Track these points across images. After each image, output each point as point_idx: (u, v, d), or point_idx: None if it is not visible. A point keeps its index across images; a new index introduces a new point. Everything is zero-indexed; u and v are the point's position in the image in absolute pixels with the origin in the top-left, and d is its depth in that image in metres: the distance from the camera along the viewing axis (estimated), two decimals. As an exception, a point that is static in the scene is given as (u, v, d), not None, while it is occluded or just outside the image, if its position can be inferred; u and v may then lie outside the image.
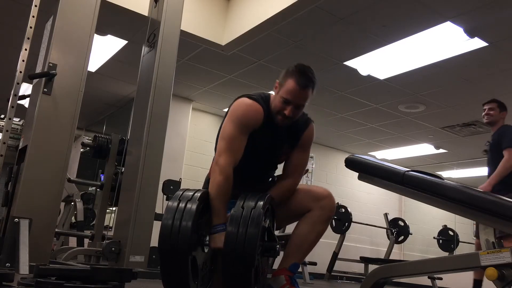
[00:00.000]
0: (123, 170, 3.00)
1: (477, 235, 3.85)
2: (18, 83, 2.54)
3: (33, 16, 2.60)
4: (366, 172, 1.66)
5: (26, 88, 4.19)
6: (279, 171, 2.11)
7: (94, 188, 6.19)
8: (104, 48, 5.09)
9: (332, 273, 6.33)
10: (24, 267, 2.07)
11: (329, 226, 2.42)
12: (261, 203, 1.66)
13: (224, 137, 1.85)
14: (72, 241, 5.14)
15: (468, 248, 6.48)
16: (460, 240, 6.64)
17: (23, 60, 2.57)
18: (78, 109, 2.55)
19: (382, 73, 5.02)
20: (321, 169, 7.69)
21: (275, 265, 1.97)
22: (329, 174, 7.85)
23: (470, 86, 5.08)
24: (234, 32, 4.40)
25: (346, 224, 6.40)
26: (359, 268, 6.78)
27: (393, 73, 4.97)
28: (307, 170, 2.07)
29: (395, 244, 7.24)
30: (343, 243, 6.42)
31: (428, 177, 1.52)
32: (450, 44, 4.26)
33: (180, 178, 5.07)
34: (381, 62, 4.78)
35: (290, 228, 2.13)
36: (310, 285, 4.78)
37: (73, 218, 5.12)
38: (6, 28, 4.75)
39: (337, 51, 4.64)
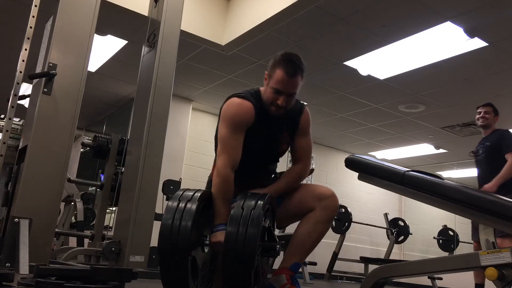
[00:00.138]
0: (123, 170, 3.00)
1: (474, 237, 3.90)
2: (18, 83, 2.54)
3: (33, 16, 2.60)
4: (366, 172, 1.66)
5: (26, 88, 4.19)
6: (280, 168, 2.12)
7: (94, 188, 6.19)
8: (104, 48, 5.10)
9: (332, 273, 6.33)
10: (24, 267, 2.07)
11: (329, 226, 2.41)
12: (261, 203, 1.66)
13: (220, 139, 1.87)
14: (72, 241, 5.14)
15: (468, 248, 6.47)
16: (460, 240, 6.64)
17: (23, 60, 2.57)
18: (78, 109, 2.55)
19: (382, 73, 5.02)
20: (321, 169, 7.70)
21: (275, 265, 1.96)
22: (329, 174, 7.85)
23: (470, 86, 5.08)
24: (234, 32, 4.40)
25: (346, 224, 6.40)
26: (359, 268, 6.78)
27: (393, 73, 4.97)
28: (312, 169, 2.07)
29: (395, 244, 7.24)
30: (343, 243, 6.42)
31: (428, 177, 1.52)
32: (450, 44, 4.26)
33: (180, 178, 5.07)
34: (381, 62, 4.78)
35: (290, 228, 2.13)
36: (310, 285, 4.78)
37: (73, 218, 5.12)
38: (6, 28, 4.75)
39: (337, 51, 4.64)
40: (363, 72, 4.97)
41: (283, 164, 2.14)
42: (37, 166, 2.40)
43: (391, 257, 7.04)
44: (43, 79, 2.47)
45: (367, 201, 8.36)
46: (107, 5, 3.59)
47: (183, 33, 3.53)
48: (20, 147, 2.56)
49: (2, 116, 7.72)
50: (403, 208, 9.02)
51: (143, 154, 2.66)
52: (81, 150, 7.53)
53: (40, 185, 2.39)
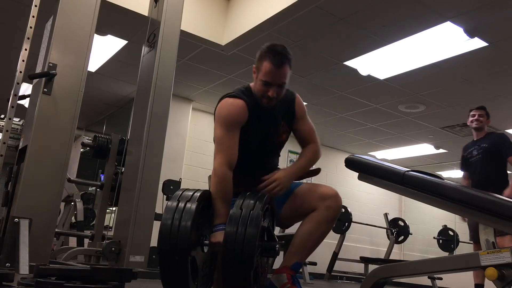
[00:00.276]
0: (123, 170, 3.00)
1: (472, 238, 3.93)
2: (18, 83, 2.54)
3: (33, 16, 2.60)
4: (366, 172, 1.66)
5: (26, 88, 4.19)
6: (281, 166, 2.12)
7: (94, 188, 6.19)
8: (104, 48, 5.09)
9: (332, 273, 6.33)
10: (24, 267, 2.07)
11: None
12: (260, 203, 1.66)
13: (215, 140, 1.89)
14: (72, 241, 5.14)
15: (468, 248, 6.46)
16: (460, 240, 6.63)
17: (23, 60, 2.57)
18: (78, 109, 2.56)
19: (382, 73, 5.02)
20: (321, 169, 7.68)
21: (276, 265, 1.96)
22: (329, 174, 7.84)
23: (470, 86, 5.08)
24: (234, 32, 4.40)
25: (346, 224, 6.40)
26: (359, 268, 6.78)
27: (393, 73, 4.97)
28: (319, 169, 2.08)
29: (395, 244, 7.24)
30: (343, 243, 6.42)
31: (428, 177, 1.52)
32: (450, 44, 4.26)
33: (180, 178, 5.07)
34: (381, 62, 4.78)
35: (290, 228, 2.13)
36: (310, 285, 4.78)
37: (73, 218, 5.12)
38: (6, 28, 4.75)
39: (337, 51, 4.64)
40: (363, 72, 4.97)
41: (283, 164, 2.13)
42: (37, 166, 2.40)
43: (391, 257, 7.04)
44: (43, 79, 2.47)
45: (367, 201, 8.36)
46: (107, 5, 3.58)
47: (183, 33, 3.53)
48: (20, 147, 2.56)
49: (2, 116, 7.72)
50: (403, 208, 9.01)
51: (143, 154, 2.66)
52: (81, 150, 7.53)
53: (40, 185, 2.39)
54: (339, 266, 6.52)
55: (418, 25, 4.01)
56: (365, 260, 6.25)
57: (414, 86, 5.24)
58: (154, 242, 2.08)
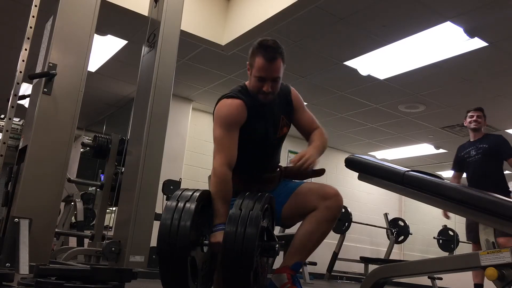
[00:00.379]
0: (123, 170, 3.00)
1: (469, 238, 3.96)
2: (18, 83, 2.54)
3: (33, 16, 2.60)
4: (366, 172, 1.67)
5: (26, 88, 4.19)
6: (282, 164, 2.12)
7: (94, 188, 6.19)
8: (104, 48, 5.09)
9: (332, 273, 6.33)
10: (24, 267, 2.07)
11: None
12: (260, 203, 1.66)
13: (215, 140, 1.89)
14: (72, 241, 5.14)
15: (468, 248, 6.45)
16: (460, 240, 6.63)
17: (23, 60, 2.57)
18: (78, 109, 2.56)
19: (382, 73, 5.02)
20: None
21: (276, 265, 1.96)
22: (329, 174, 7.84)
23: (470, 86, 5.08)
24: (234, 32, 4.40)
25: (346, 224, 6.39)
26: (359, 268, 6.78)
27: (393, 73, 4.97)
28: (324, 170, 2.08)
29: (395, 244, 7.24)
30: (343, 243, 6.42)
31: (428, 177, 1.52)
32: (450, 44, 4.26)
33: (180, 178, 5.07)
34: (381, 62, 4.78)
35: (290, 228, 2.13)
36: (310, 285, 4.78)
37: (73, 218, 5.12)
38: (6, 28, 4.75)
39: (337, 51, 4.64)
40: (363, 72, 4.97)
41: (283, 164, 2.13)
42: (37, 166, 2.40)
43: (391, 257, 7.04)
44: (43, 79, 2.47)
45: (367, 201, 8.36)
46: (107, 5, 3.58)
47: (183, 33, 3.53)
48: (20, 147, 2.56)
49: (2, 116, 7.72)
50: (403, 208, 9.01)
51: (143, 154, 2.66)
52: (81, 150, 7.53)
53: (40, 185, 2.39)
54: (339, 266, 6.52)
55: (418, 25, 4.01)
56: (365, 260, 6.25)
57: (414, 86, 5.24)
58: (154, 242, 2.08)
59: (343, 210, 6.46)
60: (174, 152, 6.07)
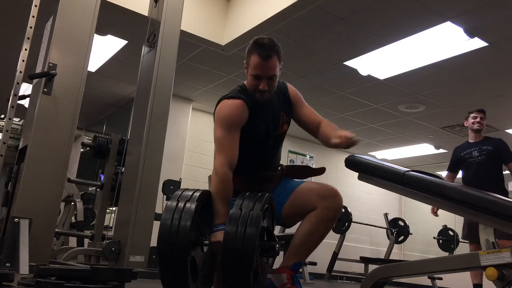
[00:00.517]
0: (123, 170, 3.00)
1: (466, 237, 3.99)
2: (18, 83, 2.54)
3: (33, 16, 2.60)
4: (366, 172, 1.67)
5: (26, 88, 4.19)
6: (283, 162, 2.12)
7: (94, 188, 6.19)
8: (104, 48, 5.09)
9: (332, 273, 6.33)
10: (24, 267, 2.07)
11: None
12: (260, 203, 1.66)
13: (215, 141, 1.89)
14: (72, 241, 5.14)
15: (468, 248, 6.47)
16: (460, 240, 6.63)
17: (23, 60, 2.57)
18: (78, 109, 2.56)
19: (382, 73, 5.02)
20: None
21: (276, 265, 1.96)
22: (329, 174, 7.84)
23: (470, 86, 5.08)
24: (234, 32, 4.40)
25: (346, 224, 6.39)
26: (359, 268, 6.78)
27: (393, 73, 4.97)
28: (324, 168, 2.08)
29: (395, 244, 7.24)
30: (343, 243, 6.42)
31: (428, 177, 1.52)
32: (450, 44, 4.25)
33: (180, 178, 5.07)
34: (381, 62, 4.78)
35: (290, 228, 2.13)
36: (310, 285, 4.78)
37: (73, 218, 5.12)
38: (6, 28, 4.75)
39: (337, 51, 4.64)
40: (363, 72, 4.97)
41: (283, 163, 2.13)
42: (37, 166, 2.40)
43: (391, 257, 7.03)
44: (43, 79, 2.47)
45: (367, 201, 8.35)
46: (107, 5, 3.58)
47: (183, 33, 3.53)
48: (20, 147, 2.56)
49: (2, 116, 7.72)
50: (403, 208, 9.01)
51: (143, 154, 2.66)
52: (81, 150, 7.53)
53: (40, 185, 2.39)
54: (339, 266, 6.51)
55: (418, 25, 4.01)
56: (365, 260, 6.25)
57: (414, 86, 5.24)
58: (154, 242, 2.08)
59: (343, 210, 6.46)
60: (174, 152, 6.07)
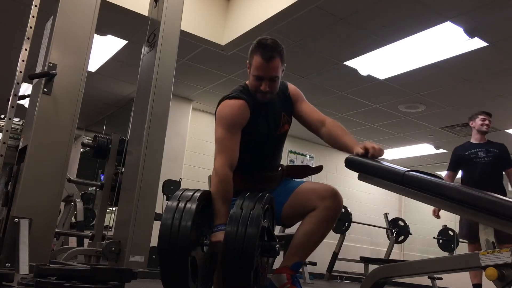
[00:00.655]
0: (123, 170, 3.00)
1: (464, 237, 4.02)
2: (18, 83, 2.54)
3: (33, 16, 2.60)
4: (366, 172, 1.66)
5: (26, 88, 4.19)
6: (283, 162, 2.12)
7: (94, 188, 6.19)
8: (104, 48, 5.09)
9: (332, 273, 6.33)
10: (24, 267, 2.07)
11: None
12: (260, 203, 1.66)
13: (216, 141, 1.88)
14: (72, 241, 5.14)
15: (468, 248, 6.47)
16: (460, 240, 6.63)
17: (23, 60, 2.57)
18: (78, 109, 2.56)
19: (382, 73, 5.02)
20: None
21: (276, 265, 1.96)
22: (329, 174, 7.84)
23: (470, 86, 5.08)
24: (234, 32, 4.40)
25: (346, 224, 6.39)
26: (359, 268, 6.78)
27: (393, 73, 4.97)
28: (322, 167, 2.08)
29: (395, 244, 7.24)
30: (343, 243, 6.42)
31: (428, 177, 1.52)
32: (450, 44, 4.26)
33: (180, 178, 5.07)
34: (381, 62, 4.78)
35: (290, 228, 2.13)
36: (310, 285, 4.78)
37: (73, 218, 5.12)
38: (6, 28, 4.75)
39: (337, 51, 4.64)
40: (363, 72, 4.97)
41: (283, 163, 2.13)
42: (37, 166, 2.40)
43: (391, 257, 7.04)
44: (43, 79, 2.47)
45: (367, 201, 8.35)
46: (107, 5, 3.58)
47: (183, 33, 3.52)
48: (20, 147, 2.56)
49: (2, 116, 7.72)
50: (403, 208, 9.01)
51: (143, 154, 2.66)
52: (81, 150, 7.53)
53: (40, 185, 2.40)
54: (339, 266, 6.51)
55: (418, 25, 4.01)
56: (365, 260, 6.25)
57: (414, 86, 5.24)
58: (154, 242, 2.08)
59: (343, 210, 6.46)
60: (174, 152, 6.07)
